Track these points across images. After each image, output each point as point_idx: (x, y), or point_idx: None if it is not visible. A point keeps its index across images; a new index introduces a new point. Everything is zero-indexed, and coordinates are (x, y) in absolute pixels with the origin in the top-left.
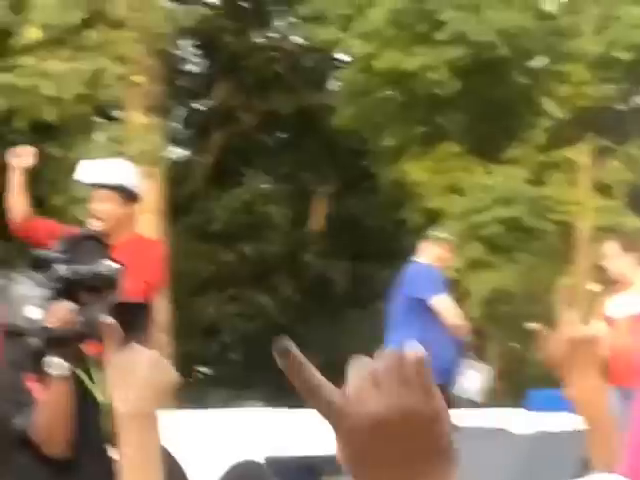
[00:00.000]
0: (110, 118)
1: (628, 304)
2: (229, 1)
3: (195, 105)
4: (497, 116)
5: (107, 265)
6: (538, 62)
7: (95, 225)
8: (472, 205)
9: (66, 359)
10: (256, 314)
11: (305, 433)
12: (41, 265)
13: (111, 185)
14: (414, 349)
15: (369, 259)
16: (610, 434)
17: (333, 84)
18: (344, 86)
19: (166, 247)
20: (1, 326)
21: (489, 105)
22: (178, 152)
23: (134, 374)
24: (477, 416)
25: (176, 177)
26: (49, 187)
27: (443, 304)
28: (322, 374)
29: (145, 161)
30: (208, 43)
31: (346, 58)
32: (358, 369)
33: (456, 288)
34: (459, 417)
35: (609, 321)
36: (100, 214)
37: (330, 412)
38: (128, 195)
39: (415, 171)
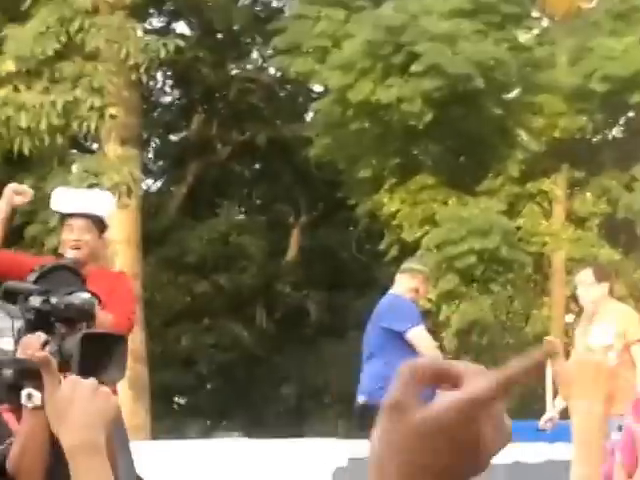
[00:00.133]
0: (85, 150)
1: (597, 334)
2: (205, 33)
3: (170, 136)
4: (472, 148)
5: (81, 296)
6: (513, 94)
7: (73, 254)
8: (447, 236)
9: (40, 390)
10: (232, 344)
11: (283, 463)
12: (15, 296)
13: (91, 215)
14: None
15: (344, 290)
16: (597, 462)
17: (309, 115)
18: (319, 117)
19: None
20: None
21: (464, 137)
22: (153, 183)
23: (74, 405)
24: None
25: (151, 208)
26: (24, 218)
27: (418, 336)
28: (297, 402)
29: (120, 192)
30: (184, 75)
31: (322, 89)
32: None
33: (431, 319)
34: None
35: (577, 354)
36: (79, 244)
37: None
38: (103, 226)
39: (390, 202)
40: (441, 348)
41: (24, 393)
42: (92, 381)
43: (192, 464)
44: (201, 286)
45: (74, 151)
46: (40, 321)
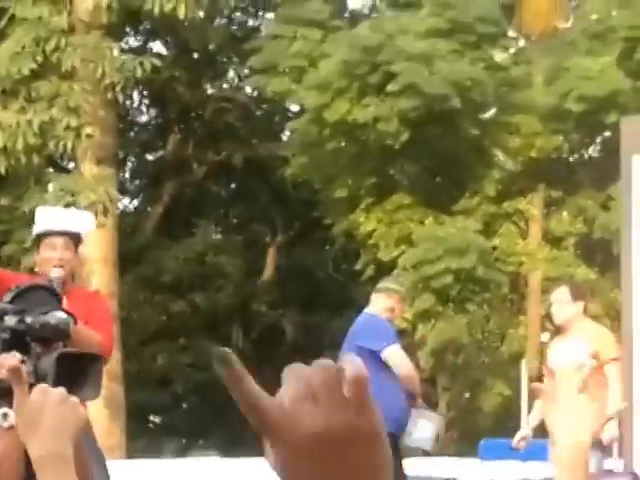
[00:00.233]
0: (61, 169)
1: (570, 354)
2: (181, 52)
3: (146, 156)
4: (449, 167)
5: (57, 315)
6: (489, 113)
7: (58, 273)
8: (424, 256)
9: None
10: (208, 364)
11: None
12: None
13: (72, 233)
14: (352, 363)
15: (320, 309)
16: None
17: (285, 135)
18: (296, 137)
19: (117, 297)
20: None
21: (441, 156)
22: (129, 203)
23: (43, 415)
24: (428, 465)
25: (127, 227)
26: (1, 237)
27: (394, 355)
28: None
29: (96, 212)
30: (160, 94)
31: (298, 109)
32: (294, 380)
33: (407, 338)
34: (411, 466)
35: (550, 372)
36: (61, 262)
37: (267, 427)
38: (79, 242)
39: (367, 222)
40: (417, 367)
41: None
42: (61, 391)
43: None
44: (177, 305)
45: (50, 170)
46: (15, 341)
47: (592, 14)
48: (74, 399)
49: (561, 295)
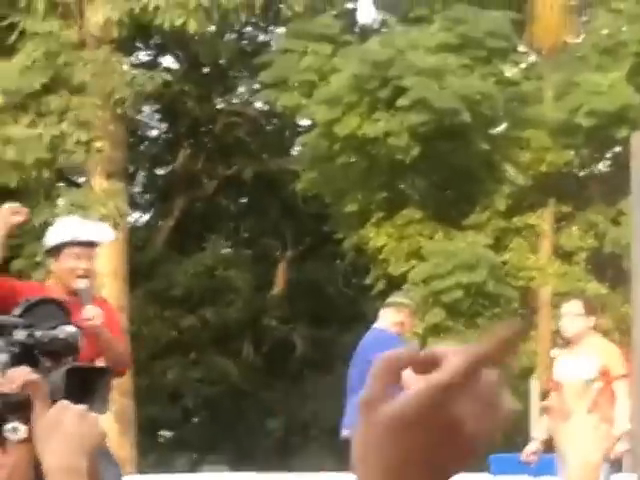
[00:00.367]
0: (72, 183)
1: (577, 368)
2: (191, 67)
3: (157, 170)
4: (459, 182)
5: (66, 330)
6: (500, 128)
7: (84, 284)
8: (434, 271)
9: (26, 423)
10: (218, 378)
11: None
12: (0, 330)
13: (96, 243)
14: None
15: (330, 324)
16: None
17: (295, 149)
18: (306, 151)
19: (127, 312)
20: None
21: (451, 171)
22: (140, 217)
23: (60, 429)
24: None
25: (137, 242)
26: (11, 251)
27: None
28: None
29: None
30: (170, 108)
31: (308, 123)
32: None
33: None
34: None
35: (557, 385)
36: (87, 272)
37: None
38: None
39: (377, 237)
40: None
41: (8, 426)
42: (80, 407)
43: None
44: (187, 320)
45: (61, 185)
46: (25, 355)
47: (602, 29)
48: (94, 415)
49: (573, 309)
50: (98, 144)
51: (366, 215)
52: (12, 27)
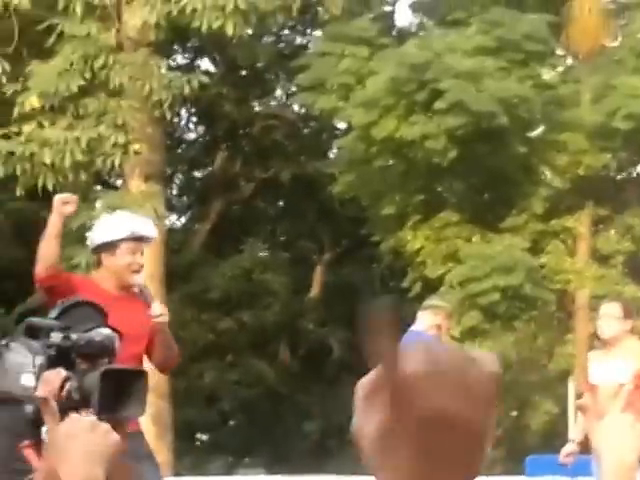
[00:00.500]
0: (109, 186)
1: (613, 371)
2: (229, 70)
3: (194, 173)
4: (496, 185)
5: (102, 332)
6: (537, 131)
7: (141, 278)
8: (471, 273)
9: None
10: (255, 381)
11: None
12: (37, 332)
13: (150, 239)
14: (490, 360)
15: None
16: None
17: (332, 152)
18: (343, 154)
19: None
20: None
21: (488, 174)
22: (177, 220)
23: (73, 442)
24: None
25: (174, 244)
26: None
27: None
28: (320, 439)
29: None
30: (208, 111)
31: (345, 126)
32: (422, 358)
33: None
34: None
35: (592, 388)
36: (141, 268)
37: (386, 389)
38: None
39: (414, 239)
40: None
41: (45, 429)
42: (91, 419)
43: None
44: (225, 323)
45: (98, 187)
46: (61, 357)
47: None
48: (105, 425)
49: (611, 311)
50: (136, 147)
51: (403, 218)
52: (50, 30)
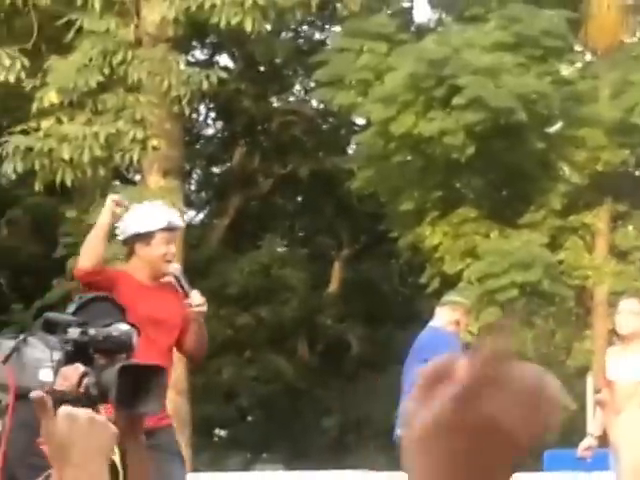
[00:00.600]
0: (127, 181)
1: (631, 367)
2: (247, 65)
3: (212, 168)
4: (514, 181)
5: (120, 327)
6: (555, 127)
7: (175, 268)
8: (489, 269)
9: None
10: (273, 377)
11: None
12: (54, 327)
13: (181, 228)
14: (554, 385)
15: (385, 323)
16: None
17: (351, 148)
18: (362, 150)
19: None
20: (14, 389)
21: (506, 170)
22: (195, 215)
23: (72, 440)
24: None
25: (192, 240)
26: (67, 250)
27: None
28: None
29: None
30: (226, 107)
31: (364, 122)
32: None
33: None
34: None
35: (609, 384)
36: (174, 258)
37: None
38: None
39: (432, 235)
40: None
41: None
42: (87, 413)
43: None
44: (243, 318)
45: (116, 183)
46: (78, 352)
47: None
48: (102, 418)
49: (630, 306)
50: (154, 142)
51: (421, 214)
52: (69, 25)
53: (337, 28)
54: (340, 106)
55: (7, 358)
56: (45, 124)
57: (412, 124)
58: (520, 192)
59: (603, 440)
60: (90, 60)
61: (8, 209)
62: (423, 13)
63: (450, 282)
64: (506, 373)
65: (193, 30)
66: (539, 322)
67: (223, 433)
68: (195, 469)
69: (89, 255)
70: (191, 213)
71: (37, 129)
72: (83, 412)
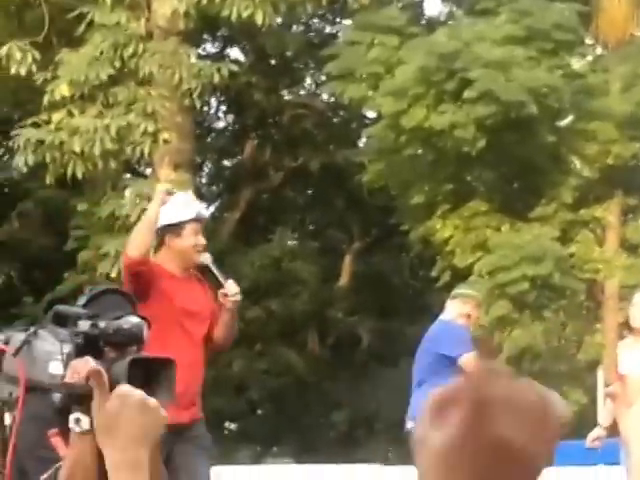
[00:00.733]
0: (138, 174)
1: None
2: (258, 58)
3: (224, 162)
4: (525, 174)
5: (130, 320)
6: (566, 121)
7: (206, 258)
8: (500, 263)
9: (88, 415)
10: (284, 370)
11: None
12: (65, 320)
13: (207, 218)
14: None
15: (396, 316)
16: None
17: (362, 141)
18: (373, 143)
19: None
20: (25, 382)
21: (517, 163)
22: (206, 208)
23: (120, 420)
24: None
25: (204, 233)
26: (78, 243)
27: (470, 362)
28: (349, 428)
29: None
30: (237, 100)
31: (375, 115)
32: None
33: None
34: None
35: (621, 377)
36: (203, 248)
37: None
38: None
39: (443, 228)
40: None
41: (72, 417)
42: (140, 394)
43: None
44: (253, 311)
45: (127, 176)
46: (89, 345)
47: None
48: (154, 402)
49: None
50: (165, 135)
51: (432, 207)
52: (80, 18)
53: (348, 21)
54: (351, 99)
55: (17, 351)
56: (56, 117)
57: (423, 117)
58: (531, 185)
59: (612, 430)
60: (101, 53)
61: (19, 202)
62: (434, 6)
63: (461, 275)
64: (509, 393)
65: (204, 23)
66: (550, 315)
67: (233, 426)
68: None
69: (138, 245)
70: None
71: (48, 122)
72: (137, 394)
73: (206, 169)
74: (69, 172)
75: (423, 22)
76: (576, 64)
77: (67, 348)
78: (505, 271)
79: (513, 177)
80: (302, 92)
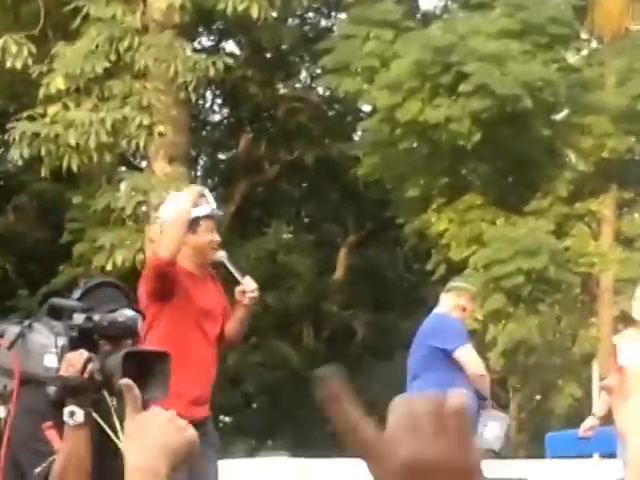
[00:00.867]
0: (133, 167)
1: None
2: (254, 52)
3: (219, 155)
4: (520, 168)
5: (125, 313)
6: (561, 114)
7: (221, 255)
8: (495, 256)
9: (83, 407)
10: (279, 363)
11: None
12: (60, 313)
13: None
14: (457, 397)
15: (391, 309)
16: None
17: (357, 135)
18: (368, 137)
19: None
20: (19, 374)
21: (512, 157)
22: None
23: (147, 430)
24: (498, 467)
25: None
26: (73, 236)
27: (465, 355)
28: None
29: None
30: (232, 94)
31: (370, 109)
32: (398, 409)
33: (478, 339)
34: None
35: (620, 369)
36: (218, 245)
37: (364, 452)
38: None
39: (438, 222)
40: (487, 368)
41: (67, 410)
42: (170, 413)
43: None
44: None
45: (122, 169)
46: (83, 338)
47: None
48: (182, 422)
49: None
50: (160, 128)
51: (427, 200)
52: (76, 12)
53: (343, 15)
54: (346, 93)
55: (12, 344)
56: (52, 110)
57: (418, 111)
58: (526, 179)
59: (606, 419)
60: (97, 47)
61: (14, 195)
62: (429, 0)
63: (456, 269)
64: (410, 413)
65: (199, 17)
66: (545, 309)
67: (228, 419)
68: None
69: (169, 246)
70: None
71: (44, 115)
72: (169, 412)
73: (201, 162)
74: (64, 165)
75: (418, 16)
76: (571, 58)
77: (61, 341)
78: (500, 264)
79: (508, 171)
80: (297, 85)
